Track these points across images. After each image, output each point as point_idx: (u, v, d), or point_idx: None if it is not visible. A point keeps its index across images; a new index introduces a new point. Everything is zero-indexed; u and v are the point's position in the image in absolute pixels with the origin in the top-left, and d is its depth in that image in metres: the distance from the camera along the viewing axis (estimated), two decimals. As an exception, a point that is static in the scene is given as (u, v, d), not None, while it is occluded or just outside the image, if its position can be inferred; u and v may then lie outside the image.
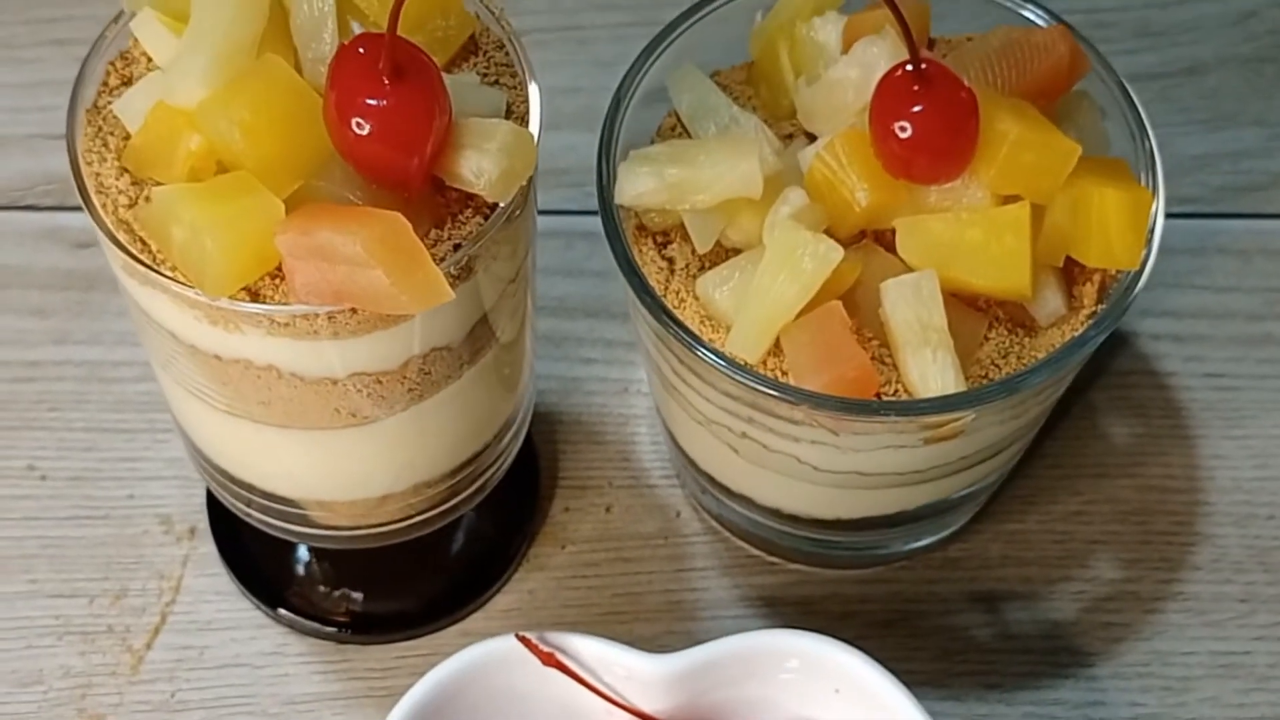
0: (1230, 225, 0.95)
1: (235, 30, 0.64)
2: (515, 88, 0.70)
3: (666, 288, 0.74)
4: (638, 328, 0.78)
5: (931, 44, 0.79)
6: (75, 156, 0.67)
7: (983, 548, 0.86)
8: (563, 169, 0.92)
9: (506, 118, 0.68)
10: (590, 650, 0.72)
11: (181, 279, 0.64)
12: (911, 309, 0.70)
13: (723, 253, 0.74)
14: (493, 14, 0.71)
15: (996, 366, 0.72)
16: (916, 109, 0.70)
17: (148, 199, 0.65)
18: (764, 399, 0.71)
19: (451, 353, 0.69)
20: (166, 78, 0.65)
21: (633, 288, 0.73)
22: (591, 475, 0.89)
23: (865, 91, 0.72)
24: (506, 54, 0.70)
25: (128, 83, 0.68)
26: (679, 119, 0.77)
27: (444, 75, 0.64)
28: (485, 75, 0.70)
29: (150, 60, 0.68)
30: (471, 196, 0.66)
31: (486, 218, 0.66)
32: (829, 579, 0.86)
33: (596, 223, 0.75)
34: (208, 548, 0.86)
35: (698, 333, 0.72)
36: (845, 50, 0.75)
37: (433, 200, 0.66)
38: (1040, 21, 0.78)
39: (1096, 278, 0.74)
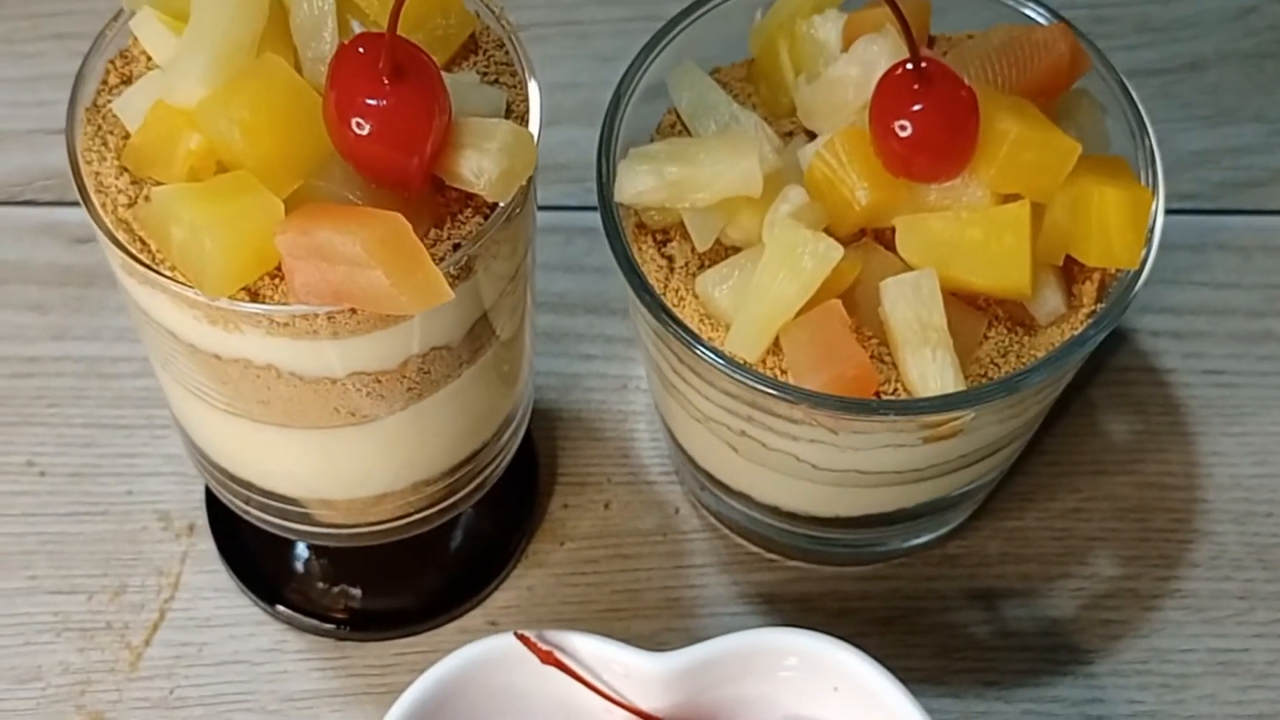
0: (1230, 221, 0.95)
1: (235, 29, 0.64)
2: (515, 86, 0.70)
3: (666, 286, 0.74)
4: (637, 325, 0.78)
5: (931, 41, 0.79)
6: (75, 155, 0.67)
7: (981, 545, 0.86)
8: (562, 164, 0.92)
9: (506, 117, 0.68)
10: (589, 648, 0.72)
11: (181, 279, 0.64)
12: (911, 308, 0.70)
13: (722, 251, 0.74)
14: (493, 12, 0.71)
15: (996, 365, 0.72)
16: (917, 108, 0.69)
17: (147, 198, 0.65)
18: (763, 398, 0.71)
19: (451, 352, 0.69)
20: (166, 77, 0.65)
21: (632, 286, 0.73)
22: (590, 472, 0.89)
23: (865, 90, 0.72)
24: (506, 53, 0.70)
25: (127, 81, 0.68)
26: (679, 116, 0.77)
27: (444, 74, 0.64)
28: (485, 74, 0.70)
29: (150, 59, 0.68)
30: (471, 196, 0.66)
31: (486, 217, 0.66)
32: (828, 576, 0.86)
33: (596, 218, 0.74)
34: (206, 544, 0.86)
35: (697, 331, 0.72)
36: (845, 48, 0.75)
37: (432, 200, 0.66)
38: (1041, 19, 0.78)
39: (1096, 276, 0.74)
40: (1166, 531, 0.87)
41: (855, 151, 0.71)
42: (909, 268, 0.71)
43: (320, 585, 0.85)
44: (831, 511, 0.80)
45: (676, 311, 0.73)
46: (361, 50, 0.62)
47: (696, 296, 0.73)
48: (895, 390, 0.71)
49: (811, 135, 0.75)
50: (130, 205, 0.65)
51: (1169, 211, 0.75)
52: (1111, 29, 1.01)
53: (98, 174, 0.66)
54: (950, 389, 0.70)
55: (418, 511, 0.77)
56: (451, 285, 0.64)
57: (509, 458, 0.80)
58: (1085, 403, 0.90)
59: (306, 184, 0.64)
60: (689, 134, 0.76)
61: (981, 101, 0.70)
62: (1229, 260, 0.94)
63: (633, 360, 0.91)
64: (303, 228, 0.62)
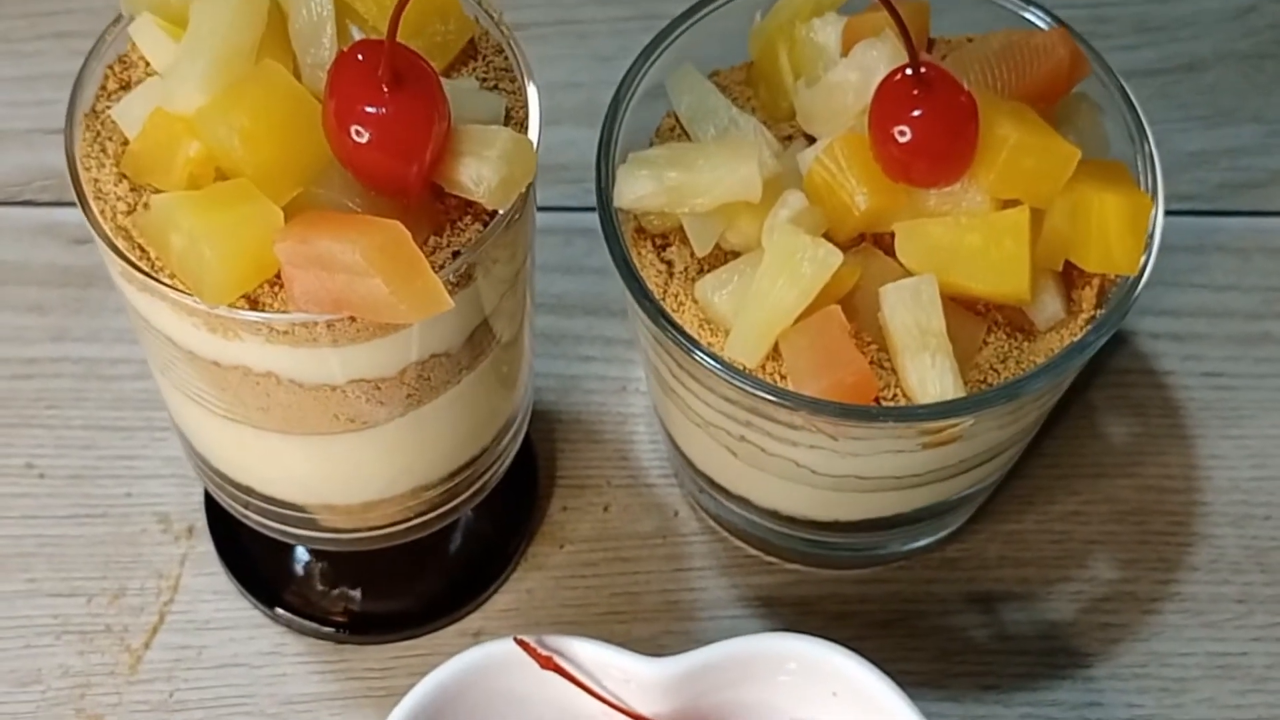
0: (1229, 223, 0.95)
1: (234, 36, 0.64)
2: (514, 92, 0.69)
3: (665, 291, 0.74)
4: (636, 329, 0.78)
5: (931, 44, 0.79)
6: (73, 162, 0.67)
7: (980, 548, 0.86)
8: (562, 165, 0.92)
9: (506, 123, 0.68)
10: (588, 653, 0.72)
11: (180, 287, 0.64)
12: (910, 313, 0.70)
13: (722, 255, 0.74)
14: (492, 18, 0.71)
15: (995, 371, 0.72)
16: (916, 113, 0.69)
17: (146, 206, 0.65)
18: (762, 403, 0.71)
19: (451, 358, 0.69)
20: (165, 84, 0.65)
21: (631, 291, 0.73)
22: (590, 474, 0.89)
23: (865, 94, 0.72)
24: (506, 58, 0.70)
25: (126, 87, 0.68)
26: (678, 120, 0.77)
27: (443, 81, 0.64)
28: (484, 80, 0.69)
29: (148, 64, 0.68)
30: (471, 203, 0.66)
31: (486, 224, 0.66)
32: (827, 579, 0.86)
33: (595, 219, 0.74)
34: (206, 546, 0.86)
35: (696, 336, 0.72)
36: (845, 51, 0.74)
37: (432, 207, 0.66)
38: (1040, 21, 0.78)
39: (1095, 282, 0.74)
40: (1165, 535, 0.87)
41: (855, 157, 0.71)
42: (908, 273, 0.71)
43: (320, 588, 0.85)
44: (830, 516, 0.80)
45: (675, 316, 0.73)
46: (360, 57, 0.62)
47: (696, 301, 0.73)
48: (895, 396, 0.71)
49: (811, 139, 0.75)
50: (129, 212, 0.65)
51: (1167, 213, 0.75)
52: (1110, 29, 1.01)
53: (96, 181, 0.66)
54: (950, 395, 0.70)
55: (417, 516, 0.77)
56: (451, 293, 0.64)
57: (508, 461, 0.80)
58: (1085, 405, 0.90)
59: (306, 191, 0.64)
60: (688, 138, 0.76)
61: (981, 107, 0.70)
62: (1228, 262, 0.94)
63: (632, 362, 0.91)
64: (302, 236, 0.62)
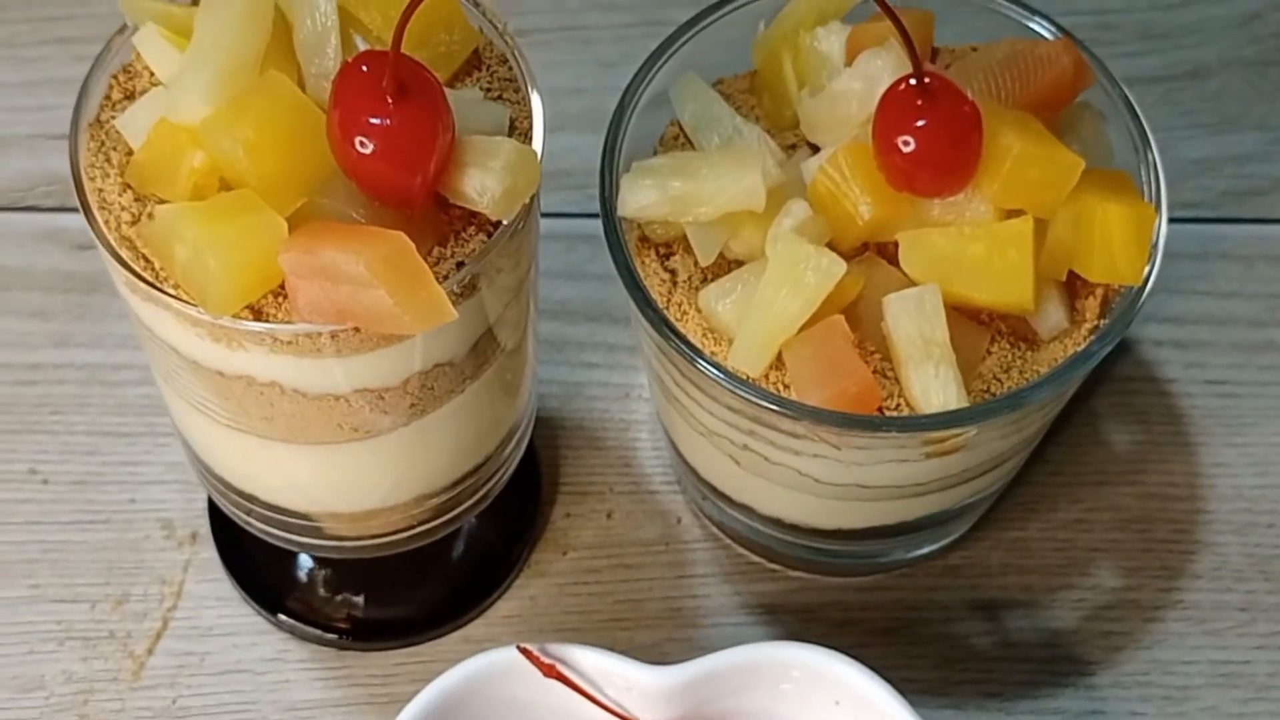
0: (1233, 230, 0.95)
1: (238, 46, 0.64)
2: (518, 103, 0.69)
3: (669, 300, 0.74)
4: (639, 337, 0.78)
5: (935, 53, 0.79)
6: (78, 172, 0.67)
7: (984, 555, 0.86)
8: (565, 171, 0.92)
9: (510, 133, 0.68)
10: (591, 661, 0.72)
11: (184, 297, 0.64)
12: (914, 323, 0.70)
13: (725, 264, 0.74)
14: (496, 28, 0.71)
15: (998, 381, 0.72)
16: (920, 123, 0.69)
17: (150, 216, 0.65)
18: (765, 413, 0.71)
19: (454, 368, 0.69)
20: (169, 94, 0.65)
21: (634, 300, 0.73)
22: (593, 481, 0.89)
23: (869, 104, 0.72)
24: (510, 68, 0.70)
25: (130, 97, 0.68)
26: (681, 129, 0.77)
27: (447, 91, 0.64)
28: (489, 90, 0.69)
29: (153, 74, 0.68)
30: (475, 213, 0.66)
31: (490, 235, 0.66)
32: (830, 586, 0.86)
33: (598, 225, 0.74)
34: (209, 553, 0.86)
35: (699, 345, 0.72)
36: (849, 61, 0.74)
37: (436, 217, 0.66)
38: (1044, 31, 0.78)
39: (1099, 291, 0.74)
40: (1168, 542, 0.87)
41: (858, 166, 0.71)
42: (912, 282, 0.71)
43: (322, 594, 0.85)
44: (834, 524, 0.80)
45: (679, 325, 0.73)
46: (365, 68, 0.62)
47: (699, 311, 0.73)
48: (898, 406, 0.71)
49: (815, 148, 0.75)
50: (134, 223, 0.65)
51: (1171, 220, 0.75)
52: (1114, 36, 1.01)
53: (101, 191, 0.66)
54: (953, 405, 0.70)
55: (420, 524, 0.77)
56: (455, 303, 0.64)
57: (512, 469, 0.80)
58: (1088, 412, 0.90)
59: (310, 201, 0.64)
60: (692, 146, 0.76)
61: (985, 116, 0.70)
62: (1231, 269, 0.94)
63: (635, 369, 0.91)
64: (306, 247, 0.62)
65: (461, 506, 0.78)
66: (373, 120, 0.62)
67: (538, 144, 0.68)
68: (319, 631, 0.84)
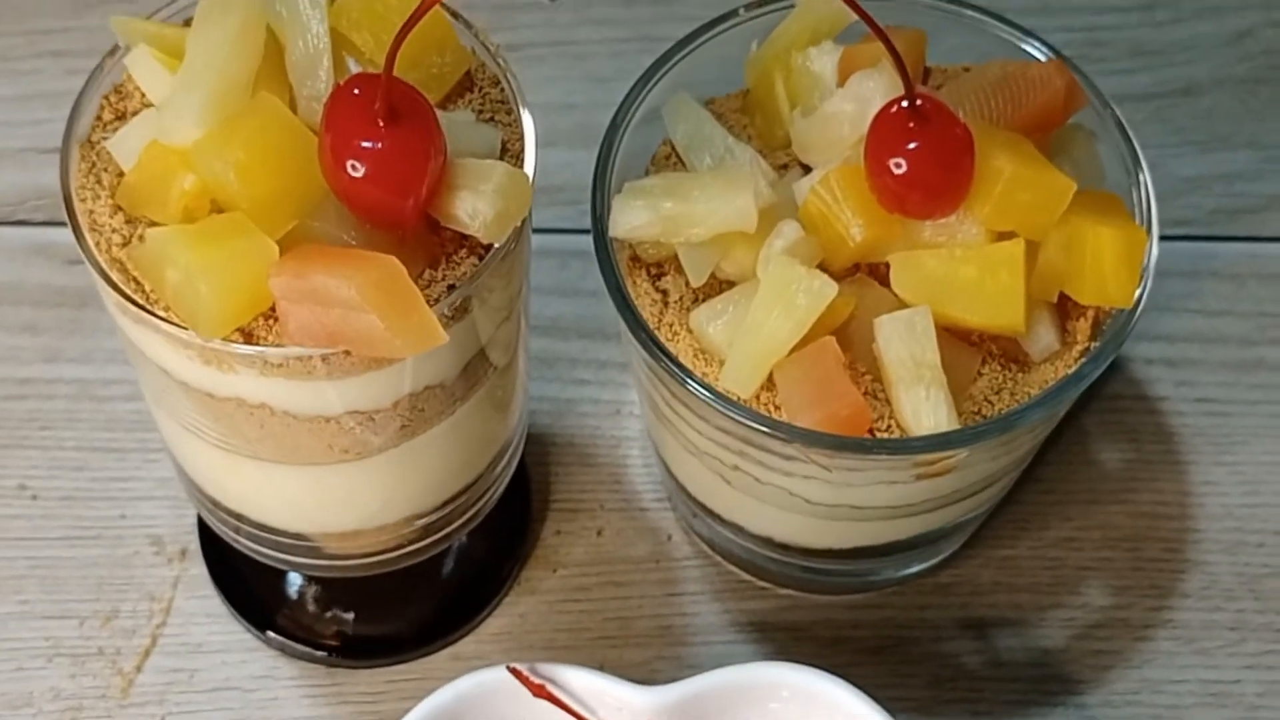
0: (1223, 248, 0.95)
1: (230, 68, 0.64)
2: (510, 124, 0.69)
3: (660, 320, 0.74)
4: (630, 356, 0.78)
5: (927, 73, 0.79)
6: (69, 194, 0.67)
7: (974, 574, 0.86)
8: (557, 186, 0.92)
9: (502, 155, 0.68)
10: (581, 681, 0.72)
11: (175, 320, 0.64)
12: (905, 345, 0.70)
13: (717, 285, 0.74)
14: (488, 50, 0.70)
15: (989, 403, 0.72)
16: (912, 146, 0.69)
17: (141, 238, 0.65)
18: (756, 434, 0.71)
19: (445, 389, 0.69)
20: (161, 117, 0.64)
21: (625, 321, 0.73)
22: (583, 498, 0.88)
23: (860, 125, 0.72)
24: (502, 90, 0.70)
25: (122, 117, 0.68)
26: (674, 148, 0.77)
27: (439, 113, 0.64)
28: (480, 112, 0.69)
29: (144, 94, 0.68)
30: (466, 235, 0.66)
31: (481, 257, 0.66)
32: (820, 604, 0.86)
33: (590, 241, 0.74)
34: (199, 569, 0.86)
35: (690, 366, 0.72)
36: (841, 81, 0.74)
37: (427, 240, 0.66)
38: (1036, 51, 0.78)
39: (1090, 313, 0.74)
40: (1158, 561, 0.87)
41: (850, 188, 0.71)
42: (903, 304, 0.71)
43: (312, 611, 0.85)
44: (824, 543, 0.80)
45: (670, 346, 0.73)
46: (357, 92, 0.62)
47: (690, 331, 0.73)
48: (889, 427, 0.71)
49: (806, 168, 0.75)
50: (124, 244, 0.65)
51: (1162, 238, 0.75)
52: (1105, 53, 1.01)
53: (92, 212, 0.66)
54: (944, 428, 0.70)
55: (410, 543, 0.77)
56: (446, 326, 0.64)
57: (502, 488, 0.80)
58: (1078, 431, 0.90)
59: (301, 224, 0.64)
60: (684, 166, 0.76)
61: (977, 138, 0.70)
62: (1222, 287, 0.94)
63: (626, 385, 0.91)
64: (297, 271, 0.61)
65: (452, 525, 0.78)
66: (364, 144, 0.62)
67: (529, 167, 0.68)
68: (308, 649, 0.84)
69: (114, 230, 0.66)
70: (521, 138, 0.69)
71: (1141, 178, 0.76)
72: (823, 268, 0.71)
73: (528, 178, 0.67)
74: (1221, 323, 0.93)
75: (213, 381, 0.66)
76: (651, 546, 0.87)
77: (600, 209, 0.74)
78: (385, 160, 0.62)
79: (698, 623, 0.85)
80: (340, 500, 0.73)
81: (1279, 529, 0.88)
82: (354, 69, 0.67)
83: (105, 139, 0.67)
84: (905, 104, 0.70)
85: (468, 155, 0.66)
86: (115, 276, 0.65)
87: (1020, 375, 0.73)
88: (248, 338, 0.64)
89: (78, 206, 0.66)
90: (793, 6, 0.77)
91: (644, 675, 0.83)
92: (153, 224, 0.65)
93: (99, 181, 0.67)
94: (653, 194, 0.72)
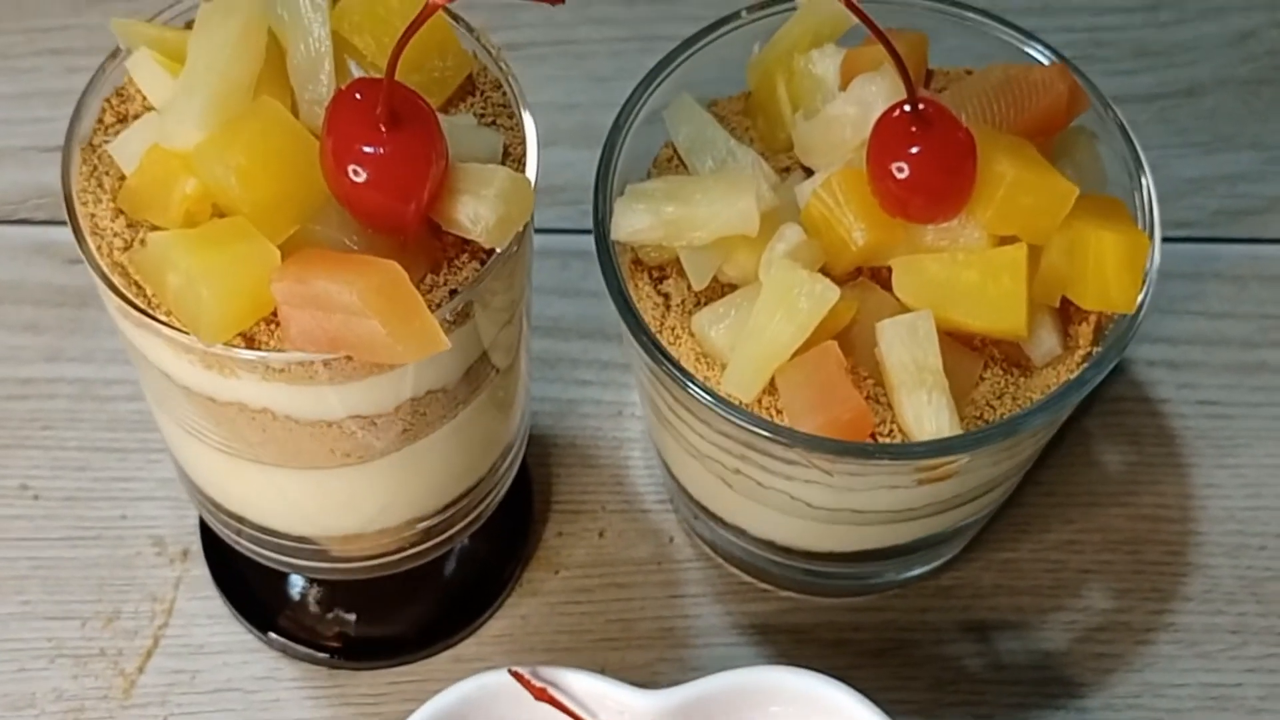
0: (1226, 250, 0.95)
1: (232, 71, 0.64)
2: (512, 128, 0.69)
3: (662, 323, 0.74)
4: (632, 359, 0.78)
5: (929, 76, 0.79)
6: (70, 197, 0.66)
7: (975, 576, 0.86)
8: (559, 186, 0.92)
9: (504, 159, 0.68)
10: (582, 685, 0.72)
11: (176, 325, 0.64)
12: (907, 350, 0.70)
13: (719, 288, 0.74)
14: (490, 53, 0.70)
15: (991, 407, 0.72)
16: (914, 150, 0.69)
17: (143, 242, 0.65)
18: (758, 438, 0.71)
19: (448, 393, 0.69)
20: (162, 120, 0.64)
21: (627, 324, 0.73)
22: (585, 499, 0.88)
23: (863, 129, 0.72)
24: (503, 93, 0.70)
25: (123, 120, 0.68)
26: (676, 151, 0.77)
27: (441, 117, 0.64)
28: (482, 116, 0.69)
29: (146, 97, 0.68)
30: (468, 239, 0.65)
31: (483, 261, 0.66)
32: (822, 607, 0.86)
33: (592, 241, 0.74)
34: (200, 570, 0.86)
35: (692, 370, 0.72)
36: (844, 83, 0.74)
37: (429, 244, 0.66)
38: (1038, 53, 0.78)
39: (1092, 318, 0.74)
40: (1160, 564, 0.87)
41: (852, 192, 0.71)
42: (905, 308, 0.71)
43: (314, 613, 0.85)
44: (825, 547, 0.80)
45: (672, 350, 0.73)
46: (358, 96, 0.62)
47: (692, 335, 0.73)
48: (891, 431, 0.71)
49: (808, 171, 0.75)
50: (126, 248, 0.65)
51: (1164, 240, 0.75)
52: (1108, 53, 1.01)
53: (93, 216, 0.66)
54: (945, 433, 0.70)
55: (412, 546, 0.77)
56: (448, 331, 0.64)
57: (504, 490, 0.80)
58: (1080, 433, 0.90)
59: (303, 228, 0.64)
60: (686, 169, 0.76)
61: (979, 142, 0.70)
62: (1224, 289, 0.94)
63: (628, 386, 0.91)
64: (299, 276, 0.61)
65: (454, 528, 0.78)
66: (366, 149, 0.62)
67: (531, 171, 0.68)
68: (310, 650, 0.83)
69: (115, 234, 0.66)
70: (523, 141, 0.69)
71: (1144, 181, 0.76)
72: (825, 271, 0.71)
73: (529, 182, 0.67)
74: (1224, 325, 0.93)
75: (214, 386, 0.66)
76: (653, 548, 0.87)
77: (602, 212, 0.74)
78: (387, 165, 0.62)
79: (699, 625, 0.85)
80: (342, 504, 0.73)
81: (1281, 531, 0.88)
82: (356, 72, 0.67)
83: (106, 142, 0.67)
84: (907, 108, 0.70)
85: (470, 159, 0.65)
86: (117, 281, 0.65)
87: (1022, 380, 0.73)
88: (249, 343, 0.64)
89: (79, 210, 0.66)
90: (795, 9, 0.77)
91: (646, 677, 0.83)
92: (154, 228, 0.65)
93: (100, 185, 0.67)
94: (654, 197, 0.72)
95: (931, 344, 0.70)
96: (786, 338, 0.70)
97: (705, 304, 0.73)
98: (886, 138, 0.70)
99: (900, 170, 0.70)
